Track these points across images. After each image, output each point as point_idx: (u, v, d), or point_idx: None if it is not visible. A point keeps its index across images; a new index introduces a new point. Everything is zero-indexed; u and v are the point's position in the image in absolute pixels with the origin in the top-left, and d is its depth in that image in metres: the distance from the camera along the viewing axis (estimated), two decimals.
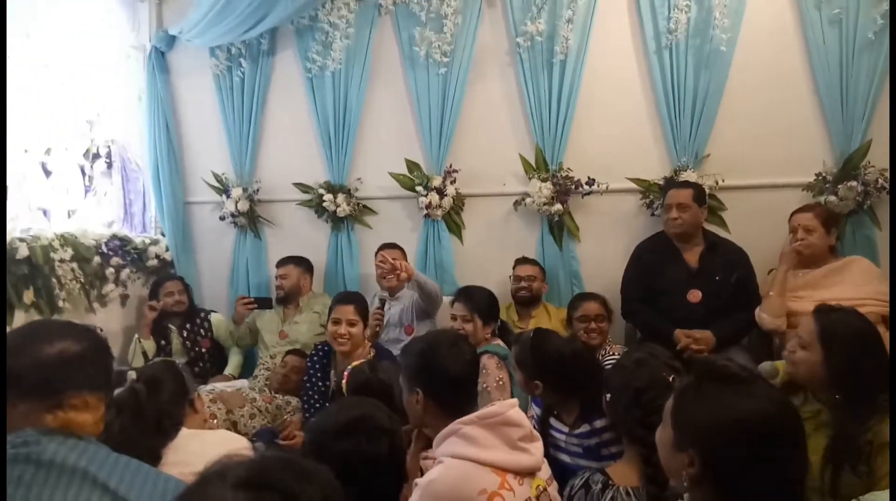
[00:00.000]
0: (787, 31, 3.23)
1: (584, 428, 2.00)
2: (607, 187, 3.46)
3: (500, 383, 2.58)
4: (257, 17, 3.62)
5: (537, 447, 1.64)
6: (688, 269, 3.03)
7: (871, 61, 3.07)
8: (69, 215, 3.59)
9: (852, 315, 1.80)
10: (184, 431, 1.76)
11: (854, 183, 3.07)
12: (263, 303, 3.70)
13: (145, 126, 4.10)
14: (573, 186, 3.46)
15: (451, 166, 3.66)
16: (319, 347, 2.94)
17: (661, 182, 3.39)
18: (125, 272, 3.79)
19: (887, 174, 3.04)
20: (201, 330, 3.70)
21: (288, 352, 3.35)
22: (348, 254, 3.90)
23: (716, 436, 1.09)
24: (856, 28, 3.08)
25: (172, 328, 3.63)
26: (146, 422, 1.68)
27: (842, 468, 1.62)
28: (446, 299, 3.22)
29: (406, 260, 3.40)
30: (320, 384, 2.83)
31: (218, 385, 3.27)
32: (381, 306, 3.28)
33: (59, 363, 1.17)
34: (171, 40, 4.09)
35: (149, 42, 4.11)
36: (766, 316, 2.76)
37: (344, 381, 2.17)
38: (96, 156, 3.81)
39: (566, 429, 2.05)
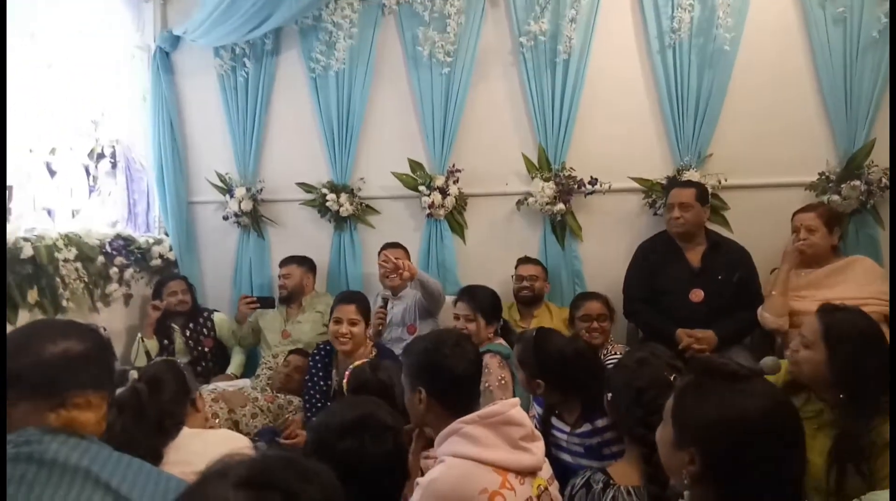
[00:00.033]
0: (790, 30, 3.22)
1: (586, 428, 2.00)
2: (610, 187, 3.46)
3: (503, 382, 2.58)
4: (261, 17, 3.62)
5: (539, 446, 1.64)
6: (690, 268, 3.03)
7: (875, 60, 3.07)
8: (73, 215, 3.59)
9: (857, 315, 1.80)
10: (185, 430, 1.77)
11: (857, 182, 3.07)
12: (266, 302, 3.70)
13: (149, 126, 4.11)
14: (576, 186, 3.46)
15: (453, 166, 3.66)
16: (321, 346, 2.94)
17: (664, 182, 3.38)
18: (129, 272, 3.80)
19: (890, 173, 3.03)
20: (204, 330, 3.71)
21: (291, 352, 3.36)
22: (351, 254, 3.91)
23: (716, 433, 1.09)
24: (860, 27, 3.08)
25: (175, 327, 3.64)
26: (148, 422, 1.68)
27: (846, 468, 1.62)
28: (449, 299, 3.22)
29: (409, 259, 3.41)
30: (322, 383, 2.84)
31: (220, 385, 3.27)
32: (384, 306, 3.29)
33: (62, 362, 1.17)
34: (176, 40, 4.10)
35: (153, 42, 4.12)
36: (769, 316, 2.76)
37: (345, 381, 2.17)
38: (101, 156, 3.82)
39: (568, 428, 2.05)
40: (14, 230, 3.05)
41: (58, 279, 3.24)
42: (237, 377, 3.64)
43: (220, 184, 4.11)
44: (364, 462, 1.37)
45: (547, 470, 1.67)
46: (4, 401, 1.14)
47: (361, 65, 3.75)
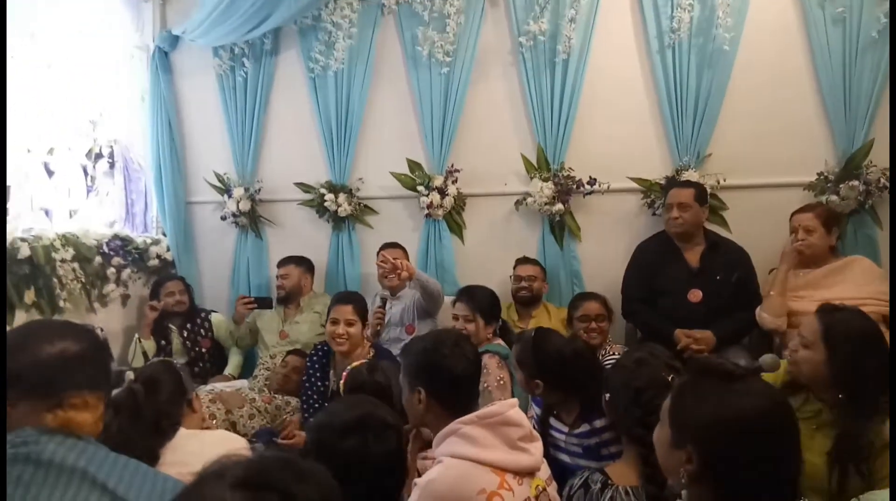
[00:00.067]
0: (790, 30, 3.23)
1: (584, 428, 2.00)
2: (608, 187, 3.46)
3: (501, 382, 2.58)
4: (261, 17, 3.62)
5: (537, 447, 1.64)
6: (688, 268, 3.03)
7: (875, 60, 3.07)
8: (71, 215, 3.59)
9: (856, 315, 1.80)
10: (182, 431, 1.76)
11: (856, 183, 3.07)
12: (263, 303, 3.70)
13: (148, 126, 4.10)
14: (574, 186, 3.46)
15: (452, 166, 3.66)
16: (319, 347, 2.94)
17: (663, 182, 3.38)
18: (126, 272, 3.80)
19: (889, 173, 3.03)
20: (202, 330, 3.70)
21: (289, 352, 3.35)
22: (349, 254, 3.91)
23: (713, 432, 1.10)
24: (859, 27, 3.08)
25: (173, 328, 3.63)
26: (144, 422, 1.68)
27: (848, 469, 1.62)
28: (448, 299, 3.22)
29: (408, 259, 3.41)
30: (319, 384, 2.83)
31: (218, 385, 3.27)
32: (383, 306, 3.28)
33: (59, 362, 1.17)
34: (175, 40, 4.10)
35: (152, 42, 4.11)
36: (767, 316, 2.76)
37: (342, 382, 2.17)
38: (99, 156, 3.81)
39: (566, 429, 2.04)
40: (11, 230, 3.04)
41: (55, 280, 3.23)
42: (235, 378, 3.63)
43: (219, 184, 4.11)
44: (367, 460, 1.37)
45: (545, 471, 1.67)
46: (4, 402, 1.14)
47: (360, 65, 3.75)
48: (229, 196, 4.02)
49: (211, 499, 0.75)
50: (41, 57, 3.36)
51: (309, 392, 2.83)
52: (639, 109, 3.45)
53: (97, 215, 3.78)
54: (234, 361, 3.76)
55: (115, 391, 1.63)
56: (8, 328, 1.29)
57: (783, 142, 3.26)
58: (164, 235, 4.14)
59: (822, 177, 3.18)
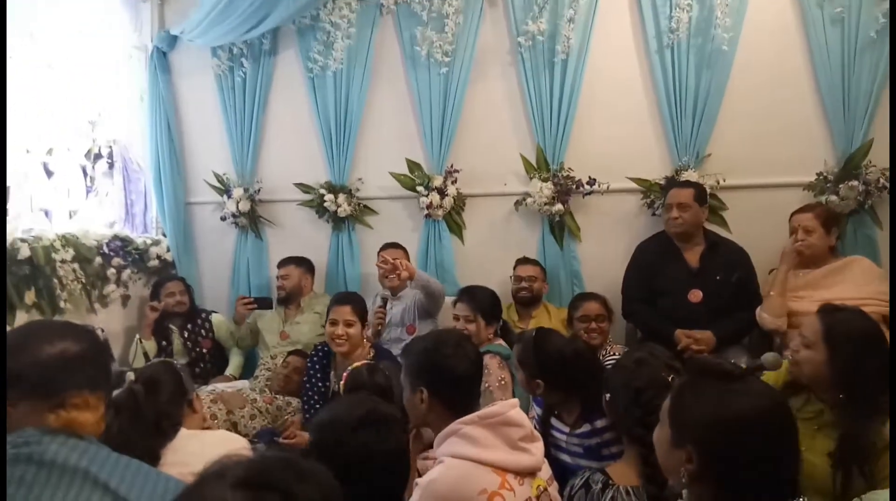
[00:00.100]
0: (788, 30, 3.23)
1: (585, 428, 2.00)
2: (608, 187, 3.46)
3: (502, 382, 2.58)
4: (259, 16, 3.62)
5: (538, 447, 1.64)
6: (688, 269, 3.03)
7: (873, 60, 3.07)
8: (71, 216, 3.59)
9: (857, 315, 1.80)
10: (183, 431, 1.76)
11: (855, 183, 3.07)
12: (263, 303, 3.70)
13: (147, 126, 4.10)
14: (574, 186, 3.46)
15: (452, 166, 3.66)
16: (319, 348, 2.94)
17: (662, 182, 3.39)
18: (126, 273, 3.79)
19: (889, 173, 3.03)
20: (202, 331, 3.70)
21: (290, 353, 3.35)
22: (349, 254, 3.90)
23: (712, 431, 1.11)
24: (857, 27, 3.08)
25: (173, 328, 3.63)
26: (145, 423, 1.68)
27: (852, 470, 1.62)
28: (448, 300, 3.22)
29: (408, 260, 3.41)
30: (320, 385, 2.83)
31: (219, 386, 3.27)
32: (384, 306, 3.29)
33: (60, 362, 1.18)
34: (173, 40, 4.09)
35: (150, 42, 4.11)
36: (767, 316, 2.76)
37: (342, 382, 2.17)
38: (98, 156, 3.81)
39: (567, 429, 2.05)
40: (11, 231, 3.04)
41: (55, 280, 3.23)
42: (236, 379, 3.63)
43: (218, 184, 4.10)
44: (376, 456, 1.36)
45: (546, 471, 1.67)
46: (4, 402, 1.14)
47: (359, 65, 3.75)
48: (229, 197, 4.02)
49: (212, 499, 0.75)
50: (40, 57, 3.36)
51: (310, 393, 2.83)
52: (638, 110, 3.45)
53: (97, 216, 3.78)
54: (234, 361, 3.76)
55: (115, 392, 1.63)
56: (8, 329, 1.29)
57: (782, 142, 3.26)
58: (164, 235, 4.14)
59: (821, 177, 3.18)
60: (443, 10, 3.53)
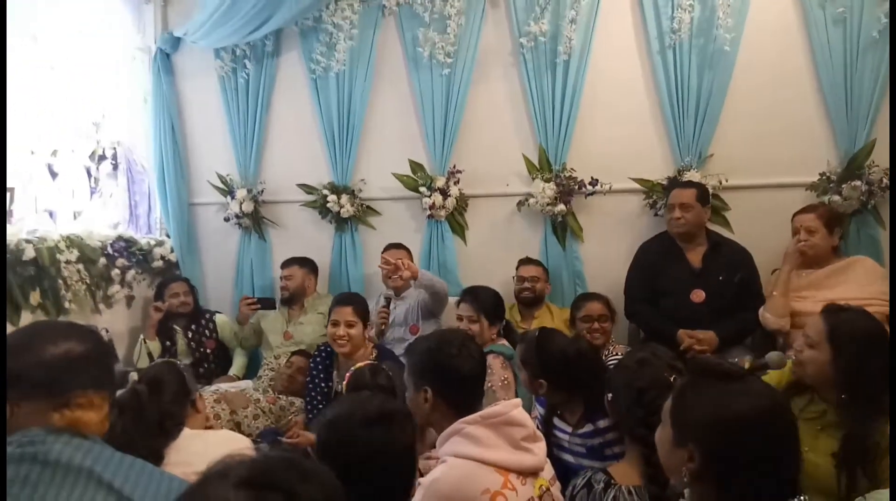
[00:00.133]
0: (790, 30, 3.23)
1: (588, 428, 2.00)
2: (610, 188, 3.46)
3: (505, 382, 2.59)
4: (262, 18, 3.63)
5: (540, 447, 1.65)
6: (691, 269, 3.03)
7: (876, 60, 3.07)
8: (75, 217, 3.59)
9: (861, 315, 1.80)
10: (186, 431, 1.77)
11: (858, 182, 3.07)
12: (266, 303, 3.70)
13: (150, 128, 4.11)
14: (576, 187, 3.46)
15: (454, 167, 3.67)
16: (322, 348, 2.94)
17: (665, 182, 3.39)
18: (130, 274, 3.80)
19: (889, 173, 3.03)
20: (206, 331, 3.71)
21: (294, 353, 3.36)
22: (352, 255, 3.91)
23: (713, 431, 1.11)
24: (860, 27, 3.08)
25: (177, 329, 3.64)
26: (148, 423, 1.69)
27: (856, 472, 1.62)
28: (451, 300, 3.22)
29: (412, 260, 3.41)
30: (323, 385, 2.84)
31: (222, 386, 3.28)
32: (387, 305, 3.29)
33: (65, 362, 1.18)
34: (176, 42, 4.10)
35: (154, 44, 4.12)
36: (770, 316, 2.76)
37: (345, 382, 2.17)
38: (102, 157, 3.82)
39: (570, 429, 2.05)
40: (16, 232, 3.05)
41: (60, 281, 3.24)
42: (239, 379, 3.64)
43: (221, 185, 4.11)
44: (390, 451, 1.35)
45: (549, 471, 1.67)
46: (4, 401, 1.14)
47: (362, 66, 3.76)
48: (232, 198, 4.03)
49: (214, 499, 0.75)
50: (44, 59, 3.37)
51: (313, 393, 2.84)
52: (640, 110, 3.45)
53: (101, 217, 3.79)
54: (238, 362, 3.77)
55: (119, 392, 1.64)
56: (13, 329, 1.30)
57: (785, 142, 3.26)
58: (168, 236, 4.15)
59: (824, 177, 3.17)
60: (445, 11, 3.53)
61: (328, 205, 3.82)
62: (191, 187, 4.22)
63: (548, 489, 1.62)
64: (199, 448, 1.70)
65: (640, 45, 3.43)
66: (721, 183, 3.28)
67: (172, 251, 4.11)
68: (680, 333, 2.90)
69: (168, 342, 3.60)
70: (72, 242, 3.35)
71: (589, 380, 1.99)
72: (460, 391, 1.67)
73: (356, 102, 3.78)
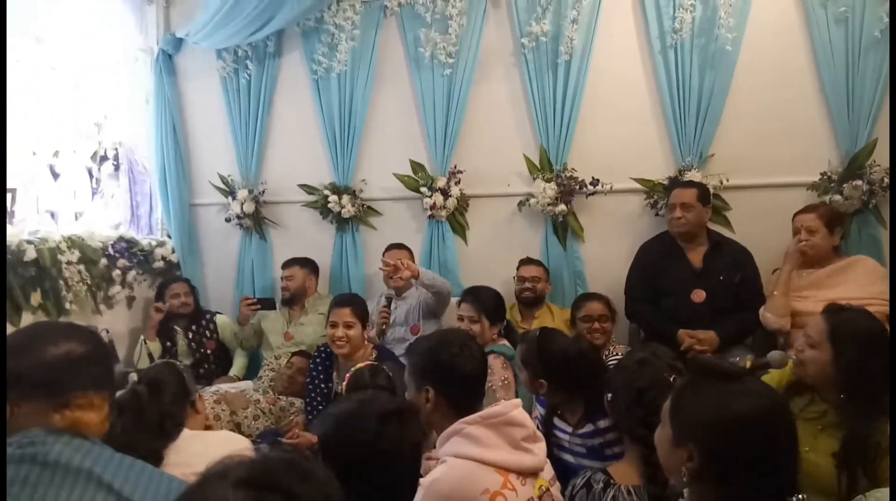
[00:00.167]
0: (792, 29, 3.22)
1: (588, 428, 2.00)
2: (611, 188, 3.46)
3: (506, 382, 2.59)
4: (264, 19, 3.63)
5: (540, 447, 1.65)
6: (692, 269, 3.03)
7: (877, 60, 3.06)
8: (76, 218, 3.60)
9: (863, 315, 1.79)
10: (185, 432, 1.77)
11: (859, 182, 3.06)
12: (267, 304, 3.70)
13: (152, 128, 4.11)
14: (577, 187, 3.46)
15: (455, 167, 3.67)
16: (322, 349, 2.94)
17: (666, 182, 3.38)
18: (131, 274, 3.80)
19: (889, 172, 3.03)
20: (207, 332, 3.71)
21: (294, 353, 3.36)
22: (353, 255, 3.91)
23: (713, 430, 1.11)
24: (862, 26, 3.08)
25: (178, 329, 3.64)
26: (148, 423, 1.69)
27: (857, 472, 1.62)
28: (453, 300, 3.22)
29: (413, 260, 3.41)
30: (323, 386, 2.84)
31: (222, 386, 3.28)
32: (388, 305, 3.29)
33: (64, 363, 1.18)
34: (178, 43, 4.10)
35: (156, 45, 4.12)
36: (771, 316, 2.76)
37: (345, 383, 2.17)
38: (104, 158, 3.83)
39: (570, 429, 2.05)
40: (17, 233, 3.06)
41: (61, 282, 3.24)
42: (240, 379, 3.64)
43: (223, 186, 4.12)
44: (403, 446, 1.34)
45: (548, 471, 1.67)
46: (4, 401, 1.15)
47: (363, 66, 3.76)
48: (233, 198, 4.04)
49: (214, 499, 0.75)
50: (45, 59, 3.38)
51: (312, 394, 2.84)
52: (641, 110, 3.45)
53: (102, 218, 3.79)
54: (238, 362, 3.77)
55: (118, 393, 1.64)
56: (14, 330, 1.30)
57: (786, 142, 3.25)
58: (169, 237, 4.15)
59: (825, 177, 3.17)
60: (446, 11, 3.53)
61: (329, 205, 3.83)
62: (192, 188, 4.23)
63: (547, 489, 1.62)
64: (198, 449, 1.70)
65: (641, 44, 3.43)
66: (722, 183, 3.28)
67: (173, 252, 4.11)
68: (680, 333, 2.90)
69: (168, 343, 3.60)
70: (73, 242, 3.35)
71: (589, 380, 1.99)
72: (461, 391, 1.67)
73: (357, 102, 3.78)
